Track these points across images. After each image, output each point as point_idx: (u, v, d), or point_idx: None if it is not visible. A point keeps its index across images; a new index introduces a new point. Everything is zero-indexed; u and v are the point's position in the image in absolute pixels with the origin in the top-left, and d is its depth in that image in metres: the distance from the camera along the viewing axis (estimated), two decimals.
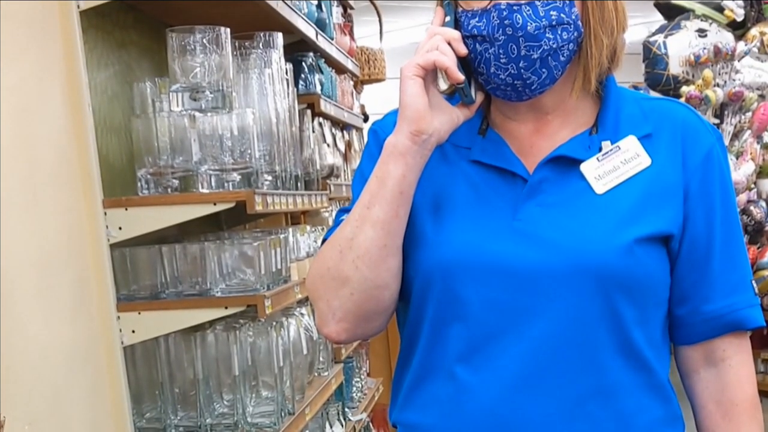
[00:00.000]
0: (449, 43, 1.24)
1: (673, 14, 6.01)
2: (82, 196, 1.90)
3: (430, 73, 1.25)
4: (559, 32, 1.23)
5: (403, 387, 1.37)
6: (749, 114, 5.65)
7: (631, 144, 1.30)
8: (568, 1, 1.24)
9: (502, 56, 1.23)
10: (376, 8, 4.77)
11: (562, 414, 1.24)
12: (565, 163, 1.29)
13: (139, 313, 1.97)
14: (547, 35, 1.22)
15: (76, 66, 1.89)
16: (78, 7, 1.90)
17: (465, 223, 1.28)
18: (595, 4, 1.28)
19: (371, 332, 1.35)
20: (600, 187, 1.28)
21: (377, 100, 6.44)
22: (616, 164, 1.29)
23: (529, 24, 1.21)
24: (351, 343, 3.11)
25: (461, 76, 1.24)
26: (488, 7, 1.23)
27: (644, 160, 1.29)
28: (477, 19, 1.24)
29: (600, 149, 1.30)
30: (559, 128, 1.33)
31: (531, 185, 1.28)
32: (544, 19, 1.22)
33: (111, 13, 2.18)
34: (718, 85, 5.64)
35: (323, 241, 1.35)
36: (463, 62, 1.26)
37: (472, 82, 1.28)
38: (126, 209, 1.95)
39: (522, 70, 1.24)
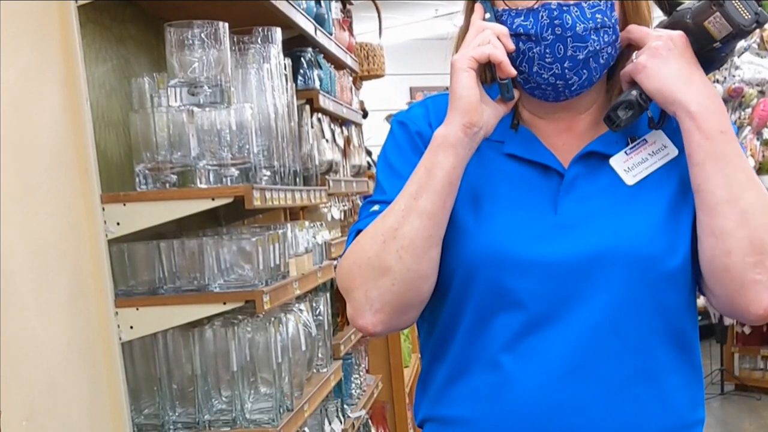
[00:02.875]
0: (498, 38, 1.26)
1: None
2: (79, 191, 1.90)
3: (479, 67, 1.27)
4: (602, 34, 1.27)
5: (436, 381, 1.38)
6: (749, 110, 5.64)
7: (657, 137, 1.35)
8: (609, 4, 1.27)
9: (548, 56, 1.26)
10: (375, 4, 4.77)
11: (609, 398, 1.27)
12: (596, 158, 1.33)
13: (137, 309, 1.96)
14: (592, 37, 1.26)
15: (74, 61, 1.88)
16: (76, 1, 1.89)
17: (507, 216, 1.31)
18: (632, 5, 1.33)
19: (404, 324, 1.35)
20: (630, 179, 1.32)
21: (376, 96, 6.44)
22: (644, 156, 1.33)
23: (578, 25, 1.24)
24: (351, 340, 3.11)
25: (513, 71, 1.27)
26: (536, 6, 1.25)
27: (672, 151, 1.33)
28: (523, 18, 1.27)
29: (627, 143, 1.34)
30: (589, 127, 1.37)
31: (567, 181, 1.31)
32: (590, 21, 1.25)
33: (109, 7, 2.18)
34: (717, 81, 5.63)
35: (354, 232, 1.36)
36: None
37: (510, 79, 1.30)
38: (124, 204, 1.94)
39: (566, 70, 1.27)
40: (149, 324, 1.97)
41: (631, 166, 1.32)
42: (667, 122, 1.36)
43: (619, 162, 1.33)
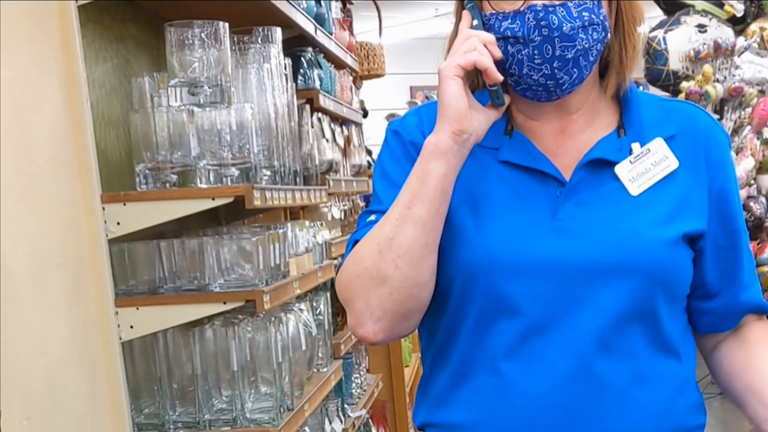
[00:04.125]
0: (485, 46, 1.27)
1: (672, 9, 6.01)
2: (80, 190, 1.90)
3: (467, 75, 1.27)
4: (590, 32, 1.27)
5: (436, 387, 1.38)
6: (749, 110, 5.64)
7: (659, 147, 1.35)
8: (597, 2, 1.27)
9: (536, 57, 1.26)
10: (375, 4, 4.77)
11: (609, 402, 1.28)
12: (599, 164, 1.33)
13: (138, 309, 1.96)
14: (580, 35, 1.26)
15: (74, 60, 1.88)
16: (76, 1, 1.89)
17: (506, 221, 1.31)
18: (628, 4, 1.33)
19: (406, 331, 1.36)
20: (635, 189, 1.32)
21: (377, 95, 6.44)
22: (648, 166, 1.34)
23: (564, 24, 1.25)
24: (352, 339, 3.11)
25: (500, 77, 1.27)
26: (522, 8, 1.26)
27: (672, 162, 1.34)
28: (510, 21, 1.27)
29: (630, 151, 1.34)
30: (583, 128, 1.37)
31: (568, 187, 1.31)
32: (577, 20, 1.25)
33: (109, 7, 2.18)
34: (717, 81, 5.63)
35: (352, 242, 1.36)
36: (495, 64, 1.28)
37: (500, 84, 1.30)
38: (124, 204, 1.94)
39: (556, 70, 1.27)
40: (149, 323, 1.97)
41: (635, 175, 1.33)
42: (663, 131, 1.36)
43: (624, 171, 1.33)
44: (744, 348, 1.41)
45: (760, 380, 1.36)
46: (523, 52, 1.27)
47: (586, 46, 1.26)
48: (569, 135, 1.36)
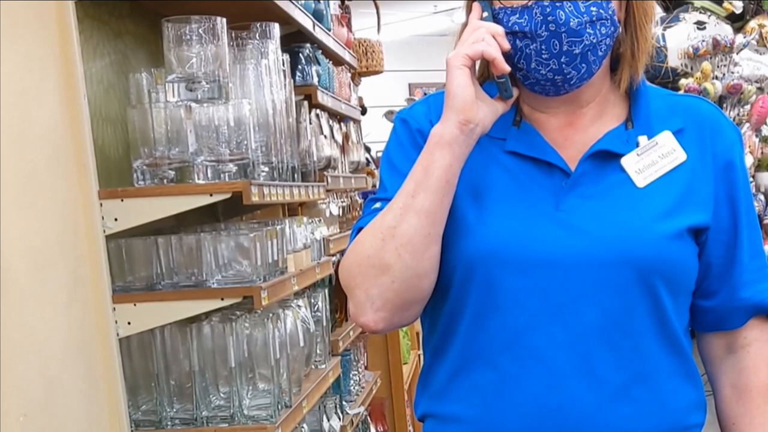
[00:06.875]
0: (493, 37, 1.27)
1: (671, 6, 6.00)
2: (77, 187, 1.89)
3: (474, 65, 1.28)
4: (598, 27, 1.27)
5: (438, 378, 1.38)
6: (748, 107, 5.64)
7: (667, 139, 1.35)
8: None
9: (544, 52, 1.27)
10: (374, 0, 4.76)
11: (608, 399, 1.28)
12: (605, 156, 1.33)
13: (135, 305, 1.96)
14: (587, 30, 1.26)
15: (71, 56, 1.88)
16: None
17: (508, 212, 1.31)
18: (636, 4, 1.34)
19: (407, 321, 1.36)
20: (641, 181, 1.32)
21: (375, 92, 6.44)
22: (654, 159, 1.34)
23: (571, 20, 1.25)
24: (350, 336, 3.11)
25: (507, 67, 1.27)
26: (530, 3, 1.26)
27: (680, 155, 1.34)
28: (518, 15, 1.27)
29: (637, 144, 1.34)
30: (591, 121, 1.37)
31: (573, 178, 1.31)
32: (585, 15, 1.26)
33: (107, 3, 2.17)
34: (716, 78, 5.62)
35: (356, 229, 1.36)
36: (504, 57, 1.28)
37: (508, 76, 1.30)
38: (122, 200, 1.94)
39: (563, 65, 1.27)
40: (147, 320, 1.96)
41: (642, 167, 1.32)
42: (671, 124, 1.36)
43: (630, 163, 1.33)
44: (746, 399, 1.39)
45: None
46: (530, 47, 1.27)
47: (594, 41, 1.26)
48: (577, 128, 1.36)
